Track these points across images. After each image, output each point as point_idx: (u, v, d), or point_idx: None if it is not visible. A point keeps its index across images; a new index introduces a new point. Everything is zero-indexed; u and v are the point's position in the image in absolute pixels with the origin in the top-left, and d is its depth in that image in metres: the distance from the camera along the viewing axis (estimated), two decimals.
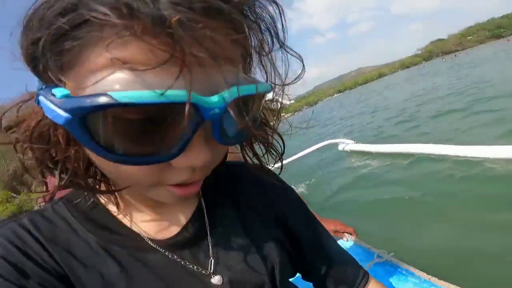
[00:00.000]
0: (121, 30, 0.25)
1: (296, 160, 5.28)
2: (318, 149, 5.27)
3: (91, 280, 0.39)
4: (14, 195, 36.16)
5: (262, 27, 0.31)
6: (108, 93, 0.25)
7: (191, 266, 0.44)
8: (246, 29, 0.31)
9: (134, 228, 0.44)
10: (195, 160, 0.31)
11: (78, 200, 0.44)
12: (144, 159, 0.29)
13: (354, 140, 5.39)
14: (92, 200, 0.44)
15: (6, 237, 0.37)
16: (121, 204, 0.44)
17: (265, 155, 0.46)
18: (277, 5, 0.32)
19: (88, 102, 0.25)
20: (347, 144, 5.10)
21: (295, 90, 0.40)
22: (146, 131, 0.28)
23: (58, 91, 0.27)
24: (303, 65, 0.37)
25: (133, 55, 0.25)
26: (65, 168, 0.34)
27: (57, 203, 0.44)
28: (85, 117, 0.26)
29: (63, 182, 0.35)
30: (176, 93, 0.26)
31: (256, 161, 0.47)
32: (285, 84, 0.37)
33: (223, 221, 0.49)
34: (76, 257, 0.40)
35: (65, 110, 0.26)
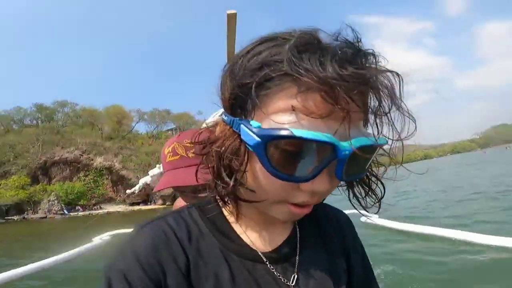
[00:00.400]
0: (302, 86, 0.38)
1: None
2: None
3: (208, 279, 0.51)
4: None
5: (385, 92, 0.40)
6: (289, 128, 0.38)
7: (281, 278, 0.53)
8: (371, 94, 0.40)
9: (245, 239, 0.55)
10: (319, 186, 0.42)
11: (208, 207, 0.57)
12: (290, 177, 0.42)
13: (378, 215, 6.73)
14: (217, 209, 0.57)
15: (155, 233, 0.52)
16: (239, 216, 0.56)
17: (365, 198, 0.53)
18: (398, 76, 0.41)
19: (275, 132, 0.39)
20: (370, 217, 6.09)
21: None
22: (298, 158, 0.41)
23: (254, 123, 0.41)
24: (415, 127, 0.43)
25: (306, 105, 0.38)
26: (235, 177, 0.47)
27: (191, 207, 0.57)
28: (268, 142, 0.40)
29: (229, 187, 0.47)
30: (328, 136, 0.38)
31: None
32: (400, 139, 0.44)
33: (309, 244, 0.58)
34: (202, 257, 0.52)
35: (258, 136, 0.40)
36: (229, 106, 0.48)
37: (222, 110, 1.25)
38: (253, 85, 0.42)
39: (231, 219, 0.57)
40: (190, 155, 1.12)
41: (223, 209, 0.58)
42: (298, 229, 0.60)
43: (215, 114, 1.87)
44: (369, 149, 0.42)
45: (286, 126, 0.39)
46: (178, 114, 65.89)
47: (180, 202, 1.44)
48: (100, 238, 5.42)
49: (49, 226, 24.63)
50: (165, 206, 51.58)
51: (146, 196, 53.12)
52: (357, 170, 0.45)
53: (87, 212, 42.62)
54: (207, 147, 0.51)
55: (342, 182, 0.51)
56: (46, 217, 38.92)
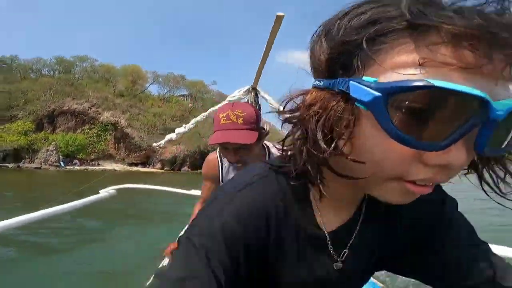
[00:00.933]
0: (433, 37, 0.31)
1: None
2: None
3: (280, 255, 0.54)
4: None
5: None
6: (426, 79, 0.30)
7: (333, 254, 0.56)
8: None
9: (317, 217, 0.55)
10: (454, 158, 0.33)
11: (293, 178, 0.51)
12: (417, 143, 0.33)
13: None
14: (304, 187, 0.53)
15: (248, 203, 0.51)
16: (316, 191, 0.53)
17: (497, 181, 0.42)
18: None
19: (405, 83, 0.31)
20: None
21: None
22: (429, 119, 0.32)
23: (369, 79, 0.34)
24: None
25: (441, 58, 0.31)
26: (335, 145, 0.40)
27: (279, 174, 0.54)
28: (390, 96, 0.32)
29: (327, 152, 0.40)
30: (474, 90, 0.29)
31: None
32: None
33: (368, 230, 0.57)
34: (282, 233, 0.53)
35: (377, 90, 0.33)
36: (326, 69, 0.42)
37: (247, 87, 2.96)
38: (364, 40, 0.36)
39: (311, 194, 0.55)
40: (240, 121, 1.46)
41: (305, 184, 0.54)
42: (363, 210, 0.58)
43: (240, 90, 3.34)
44: None
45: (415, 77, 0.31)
46: (193, 81, 64.85)
47: (212, 156, 1.92)
48: (107, 191, 4.27)
49: (43, 179, 23.42)
50: (163, 170, 50.63)
51: (146, 158, 52.31)
52: (500, 143, 0.35)
53: (83, 167, 42.06)
54: (300, 111, 0.45)
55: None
56: (40, 167, 37.74)
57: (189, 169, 49.83)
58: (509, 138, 0.34)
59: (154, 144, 5.24)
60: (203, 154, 53.91)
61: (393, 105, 0.33)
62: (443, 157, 0.33)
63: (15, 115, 43.57)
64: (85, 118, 48.73)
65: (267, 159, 1.68)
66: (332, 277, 0.56)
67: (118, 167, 47.74)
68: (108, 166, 46.88)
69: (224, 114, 1.48)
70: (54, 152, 40.21)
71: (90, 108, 48.99)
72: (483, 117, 0.31)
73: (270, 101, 3.52)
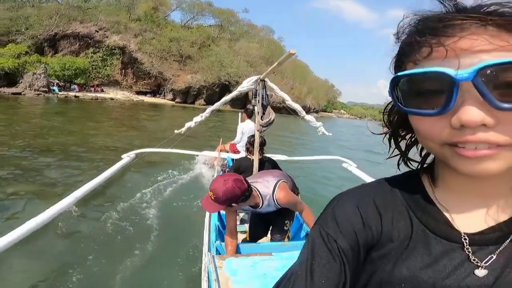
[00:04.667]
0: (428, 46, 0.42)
1: (308, 160, 7.18)
2: (327, 159, 7.21)
3: (393, 247, 0.52)
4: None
5: None
6: (400, 73, 0.44)
7: (475, 260, 0.47)
8: None
9: (445, 212, 0.51)
10: (462, 117, 0.39)
11: (406, 177, 0.57)
12: (421, 111, 0.43)
13: (356, 165, 6.53)
14: (417, 179, 0.56)
15: (357, 201, 0.56)
16: (439, 184, 0.54)
17: None
18: None
19: (395, 77, 0.45)
20: (350, 165, 5.98)
21: None
22: (425, 94, 0.43)
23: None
24: None
25: (415, 56, 0.43)
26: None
27: (389, 179, 0.59)
28: (393, 87, 0.46)
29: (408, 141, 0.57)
30: (435, 68, 0.40)
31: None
32: None
33: None
34: (394, 227, 0.53)
35: (391, 82, 0.47)
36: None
37: (256, 77, 3.53)
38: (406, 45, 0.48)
39: (430, 190, 0.54)
40: (212, 198, 2.11)
41: (423, 179, 0.57)
42: None
43: (248, 81, 3.49)
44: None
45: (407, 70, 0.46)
46: (220, 8, 59.45)
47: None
48: (128, 156, 4.59)
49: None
50: (173, 102, 44.90)
51: (157, 86, 45.60)
52: None
53: (80, 94, 37.67)
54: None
55: None
56: (21, 93, 31.72)
57: (205, 103, 44.03)
58: None
59: (176, 131, 4.60)
60: (224, 87, 50.51)
61: (398, 89, 0.46)
62: (455, 117, 0.40)
63: (14, 39, 39.17)
64: (90, 41, 45.15)
65: (260, 198, 2.28)
66: (471, 287, 0.47)
67: (124, 95, 44.51)
68: (113, 93, 43.78)
69: (209, 193, 2.14)
70: (42, 75, 34.25)
71: (97, 32, 45.20)
72: (449, 83, 0.40)
73: (276, 91, 4.01)
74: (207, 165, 6.80)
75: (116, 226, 4.25)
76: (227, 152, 5.92)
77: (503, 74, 0.38)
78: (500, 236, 0.48)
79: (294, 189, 2.66)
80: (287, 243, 2.58)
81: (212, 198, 2.10)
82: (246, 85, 3.71)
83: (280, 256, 2.14)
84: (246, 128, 5.62)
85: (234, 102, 31.62)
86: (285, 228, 2.74)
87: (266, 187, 2.30)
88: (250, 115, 5.54)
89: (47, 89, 33.78)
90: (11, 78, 33.69)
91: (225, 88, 45.67)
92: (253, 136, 3.66)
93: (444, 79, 0.40)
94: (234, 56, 52.55)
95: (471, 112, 0.39)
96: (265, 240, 2.99)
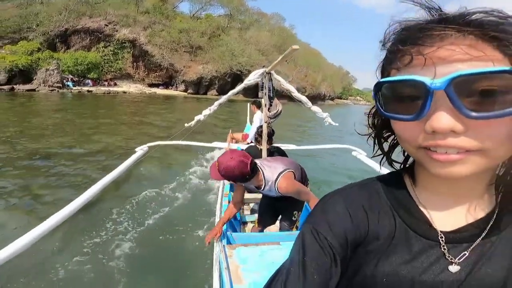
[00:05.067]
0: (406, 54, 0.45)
1: (316, 149, 7.46)
2: (337, 148, 6.74)
3: (380, 253, 0.55)
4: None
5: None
6: (381, 80, 0.48)
7: (449, 257, 0.51)
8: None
9: (426, 214, 0.55)
10: (433, 123, 0.42)
11: (389, 178, 0.61)
12: (399, 116, 0.46)
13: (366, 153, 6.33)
14: (399, 179, 0.60)
15: (344, 200, 0.60)
16: (419, 185, 0.57)
17: None
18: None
19: (378, 83, 0.49)
20: (359, 154, 5.64)
21: None
22: (403, 100, 0.45)
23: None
24: None
25: (396, 64, 0.46)
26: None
27: (374, 180, 0.63)
28: (376, 91, 0.49)
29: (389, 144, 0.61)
30: (411, 76, 0.43)
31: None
32: None
33: (500, 237, 0.52)
34: (381, 228, 0.56)
35: (374, 87, 0.50)
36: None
37: (262, 70, 3.70)
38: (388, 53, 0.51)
39: (411, 190, 0.58)
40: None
41: (405, 180, 0.60)
42: (495, 216, 0.53)
43: (255, 74, 3.68)
44: (482, 77, 0.40)
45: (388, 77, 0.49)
46: None
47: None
48: (142, 149, 4.46)
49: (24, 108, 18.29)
50: (186, 93, 45.04)
51: (169, 78, 45.86)
52: (488, 108, 0.41)
53: (94, 88, 38.21)
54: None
55: None
56: (35, 89, 32.52)
57: (217, 94, 44.60)
58: (495, 101, 0.40)
59: (186, 125, 4.71)
60: (236, 77, 50.58)
61: (379, 95, 0.49)
62: (428, 123, 0.43)
63: (26, 37, 39.90)
64: (100, 36, 45.80)
65: (264, 181, 2.35)
66: (444, 282, 0.51)
67: (136, 88, 44.57)
68: (126, 87, 44.58)
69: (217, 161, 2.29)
70: (55, 71, 35.02)
71: (107, 26, 45.85)
72: (425, 91, 0.42)
73: (282, 82, 4.02)
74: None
75: (133, 216, 4.57)
76: (237, 142, 6.06)
77: (474, 84, 0.40)
78: (472, 234, 0.52)
79: (302, 180, 2.71)
80: (294, 233, 2.65)
81: (217, 167, 2.23)
82: (252, 77, 3.80)
83: (288, 245, 2.21)
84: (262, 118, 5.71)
85: (246, 92, 31.22)
86: (293, 218, 2.84)
87: (271, 173, 2.38)
88: (259, 106, 5.69)
89: (61, 85, 34.40)
90: (26, 75, 34.22)
91: (237, 78, 45.80)
92: (261, 127, 3.77)
93: (420, 87, 0.42)
94: (245, 45, 52.55)
95: (442, 119, 0.42)
96: (274, 229, 3.12)
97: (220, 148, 6.24)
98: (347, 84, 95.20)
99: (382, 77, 0.53)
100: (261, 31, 58.71)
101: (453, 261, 0.51)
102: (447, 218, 0.54)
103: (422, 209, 0.56)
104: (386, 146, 0.62)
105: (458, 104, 0.41)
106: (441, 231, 0.53)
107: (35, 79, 34.06)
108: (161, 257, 3.61)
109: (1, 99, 21.56)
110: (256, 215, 3.44)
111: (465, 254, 0.52)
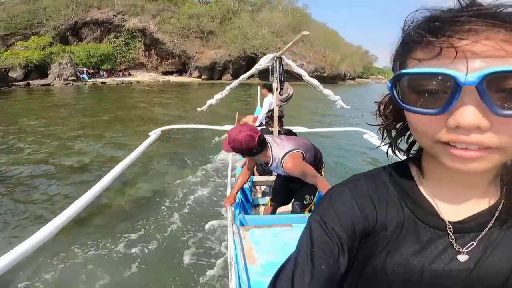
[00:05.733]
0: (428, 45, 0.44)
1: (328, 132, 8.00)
2: (348, 131, 6.96)
3: (389, 243, 0.57)
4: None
5: None
6: (406, 71, 0.45)
7: (457, 247, 0.53)
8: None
9: (433, 204, 0.57)
10: (458, 119, 0.42)
11: (395, 169, 0.62)
12: (420, 110, 0.45)
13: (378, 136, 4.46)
14: (406, 170, 0.61)
15: (350, 191, 0.61)
16: (426, 175, 0.58)
17: None
18: None
19: (397, 74, 0.47)
20: (371, 137, 5.76)
21: None
22: (426, 93, 0.44)
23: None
24: None
25: (421, 55, 0.44)
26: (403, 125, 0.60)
27: (381, 171, 0.64)
28: (395, 82, 0.48)
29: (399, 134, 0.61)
30: (443, 69, 0.41)
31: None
32: None
33: (506, 227, 0.54)
34: (389, 220, 0.58)
35: (393, 78, 0.49)
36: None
37: (272, 54, 3.79)
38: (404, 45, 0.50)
39: (419, 181, 0.60)
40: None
41: (411, 171, 0.61)
42: (501, 207, 0.55)
43: (265, 58, 3.80)
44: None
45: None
46: None
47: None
48: (155, 133, 4.71)
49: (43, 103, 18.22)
50: (200, 80, 45.22)
51: (182, 65, 46.01)
52: None
53: (108, 79, 38.79)
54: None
55: None
56: (50, 84, 32.88)
57: (232, 78, 44.14)
58: None
59: (199, 109, 4.84)
60: (251, 60, 49.95)
61: (398, 87, 0.48)
62: (452, 118, 0.43)
63: (37, 32, 41.14)
64: (110, 26, 46.42)
65: (271, 157, 2.40)
66: (453, 271, 0.54)
67: (151, 77, 45.66)
68: (140, 76, 44.93)
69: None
70: (69, 65, 35.43)
71: (115, 16, 46.40)
72: (454, 85, 0.41)
73: (293, 67, 4.16)
74: None
75: (147, 199, 5.02)
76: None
77: (506, 81, 0.40)
78: (479, 224, 0.54)
79: (316, 162, 2.72)
80: (306, 215, 2.72)
81: (227, 140, 2.33)
82: (263, 62, 3.91)
83: (300, 227, 2.31)
84: (272, 101, 5.87)
85: (262, 75, 31.50)
86: (305, 202, 2.90)
87: (279, 151, 2.43)
88: (270, 89, 5.78)
89: (75, 78, 34.84)
90: (42, 70, 34.60)
91: (252, 61, 44.58)
92: (272, 110, 3.89)
93: (449, 82, 0.41)
94: (258, 27, 52.14)
95: (468, 115, 0.41)
96: (286, 210, 3.22)
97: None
98: (367, 63, 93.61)
99: (395, 65, 0.52)
100: (273, 12, 57.78)
101: (461, 250, 0.53)
102: (454, 209, 0.55)
103: (429, 199, 0.57)
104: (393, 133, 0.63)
105: (489, 101, 0.40)
106: (448, 221, 0.55)
107: (50, 73, 34.55)
108: (180, 239, 3.85)
109: (13, 95, 22.11)
110: (268, 198, 3.58)
111: (473, 244, 0.53)
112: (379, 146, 0.66)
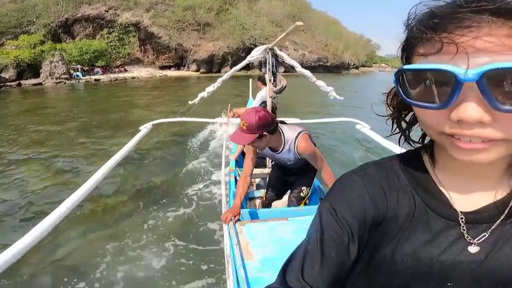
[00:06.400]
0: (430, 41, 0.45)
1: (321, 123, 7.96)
2: (340, 121, 6.90)
3: (399, 232, 0.58)
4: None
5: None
6: (407, 67, 0.47)
7: (468, 238, 0.54)
8: None
9: (445, 194, 0.58)
10: (460, 113, 0.43)
11: (408, 158, 0.63)
12: (423, 104, 0.47)
13: (370, 126, 6.40)
14: (418, 159, 0.62)
15: (362, 179, 0.62)
16: (438, 165, 0.59)
17: None
18: None
19: (399, 69, 0.49)
20: (363, 127, 5.98)
21: None
22: (429, 87, 0.46)
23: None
24: None
25: (423, 50, 0.46)
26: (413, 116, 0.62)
27: (392, 159, 0.65)
28: (399, 77, 0.50)
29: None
30: (443, 65, 0.42)
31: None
32: None
33: None
34: (399, 205, 0.59)
35: (396, 72, 0.51)
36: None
37: (265, 46, 3.87)
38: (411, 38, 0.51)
39: (431, 170, 0.60)
40: (244, 128, 2.24)
41: (424, 160, 0.62)
42: None
43: (257, 50, 3.93)
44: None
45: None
46: None
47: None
48: (146, 127, 4.69)
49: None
50: (198, 73, 45.13)
51: (180, 59, 45.98)
52: None
53: (103, 76, 38.30)
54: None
55: None
56: (41, 83, 32.17)
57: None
58: None
59: (190, 102, 5.13)
60: (250, 51, 44.87)
61: (402, 81, 0.50)
62: (455, 112, 0.44)
63: (27, 30, 41.12)
64: (102, 22, 46.50)
65: (283, 141, 2.47)
66: (464, 262, 0.54)
67: (147, 72, 45.64)
68: (136, 72, 44.84)
69: (240, 121, 2.33)
70: (60, 62, 34.99)
71: (107, 11, 46.42)
72: (455, 81, 0.42)
73: (285, 58, 4.14)
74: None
75: (143, 191, 5.24)
76: (238, 117, 6.28)
77: (508, 77, 0.40)
78: (492, 215, 0.54)
79: None
80: (301, 208, 2.79)
81: (245, 127, 2.26)
82: (255, 54, 3.98)
83: (296, 221, 2.37)
84: (265, 95, 5.94)
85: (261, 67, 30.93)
86: (301, 194, 2.95)
87: (291, 133, 2.48)
88: (265, 82, 5.83)
89: (68, 76, 34.54)
90: (35, 69, 34.35)
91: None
92: (264, 102, 3.88)
93: (450, 77, 0.43)
94: (256, 17, 52.03)
95: (470, 110, 0.42)
96: (281, 204, 3.26)
97: (221, 123, 6.70)
98: (370, 52, 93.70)
99: (402, 58, 0.53)
100: (272, 1, 57.37)
101: (472, 242, 0.54)
102: (466, 199, 0.56)
103: (441, 189, 0.58)
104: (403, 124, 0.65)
105: (490, 97, 0.41)
106: (461, 211, 0.55)
107: (41, 72, 34.31)
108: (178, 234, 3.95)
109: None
110: (262, 191, 3.62)
111: (485, 235, 0.54)
112: (392, 134, 0.66)
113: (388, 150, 4.11)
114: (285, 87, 4.01)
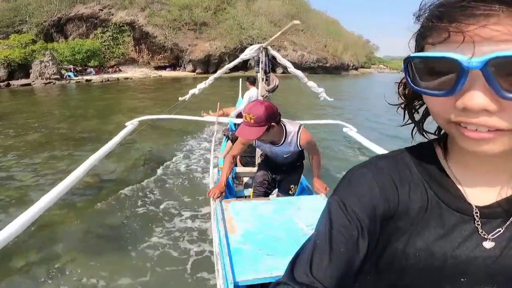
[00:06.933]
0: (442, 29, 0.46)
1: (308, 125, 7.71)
2: (328, 124, 7.74)
3: (412, 226, 0.58)
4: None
5: None
6: (414, 54, 0.49)
7: (482, 233, 0.54)
8: None
9: (458, 186, 0.58)
10: (466, 101, 0.44)
11: (420, 151, 0.64)
12: (429, 92, 0.48)
13: (357, 129, 6.96)
14: (431, 151, 0.63)
15: (372, 173, 0.62)
16: (452, 158, 0.60)
17: None
18: None
19: (407, 57, 0.51)
20: (350, 130, 6.46)
21: None
22: (435, 75, 0.47)
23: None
24: None
25: (431, 39, 0.47)
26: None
27: (404, 151, 0.66)
28: (407, 64, 0.51)
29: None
30: (448, 53, 0.44)
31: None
32: None
33: None
34: (411, 202, 0.59)
35: (404, 60, 0.52)
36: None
37: (258, 45, 4.12)
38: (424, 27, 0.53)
39: (444, 163, 0.61)
40: (252, 121, 2.34)
41: (437, 153, 0.63)
42: None
43: (251, 49, 4.10)
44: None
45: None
46: None
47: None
48: (132, 123, 5.09)
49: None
50: (194, 74, 45.61)
51: (175, 59, 46.26)
52: None
53: (95, 77, 37.98)
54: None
55: None
56: (30, 84, 30.98)
57: (229, 71, 39.85)
58: None
59: (180, 98, 5.32)
60: None
61: (411, 69, 0.51)
62: (460, 100, 0.45)
63: (20, 30, 41.00)
64: (96, 21, 46.60)
65: (284, 134, 2.62)
66: (478, 258, 0.55)
67: (142, 72, 45.58)
68: (131, 72, 44.82)
69: (245, 115, 2.39)
70: (51, 63, 34.29)
71: (101, 10, 46.56)
72: (460, 69, 0.43)
73: (279, 58, 4.43)
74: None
75: (130, 184, 5.35)
76: (227, 116, 6.58)
77: None
78: (507, 210, 0.55)
79: None
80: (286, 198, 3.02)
81: (252, 121, 2.38)
82: (248, 52, 4.14)
83: (277, 200, 2.68)
84: (254, 95, 6.22)
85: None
86: (290, 192, 3.12)
87: (293, 126, 2.66)
88: (253, 82, 6.15)
89: (59, 76, 34.08)
90: (26, 69, 33.85)
91: None
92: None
93: (455, 65, 0.44)
94: (254, 17, 52.22)
95: (476, 98, 0.43)
96: None
97: (209, 122, 6.85)
98: (368, 53, 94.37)
99: (416, 49, 0.55)
100: (270, 0, 57.50)
101: (486, 237, 0.54)
102: (479, 193, 0.57)
103: (455, 182, 0.58)
104: (416, 116, 0.66)
105: (495, 85, 0.42)
106: (475, 206, 0.56)
107: (31, 72, 33.93)
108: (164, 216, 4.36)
109: None
110: (250, 190, 3.82)
111: (500, 230, 0.54)
112: (404, 124, 0.68)
113: (374, 152, 4.27)
114: (277, 86, 4.23)
